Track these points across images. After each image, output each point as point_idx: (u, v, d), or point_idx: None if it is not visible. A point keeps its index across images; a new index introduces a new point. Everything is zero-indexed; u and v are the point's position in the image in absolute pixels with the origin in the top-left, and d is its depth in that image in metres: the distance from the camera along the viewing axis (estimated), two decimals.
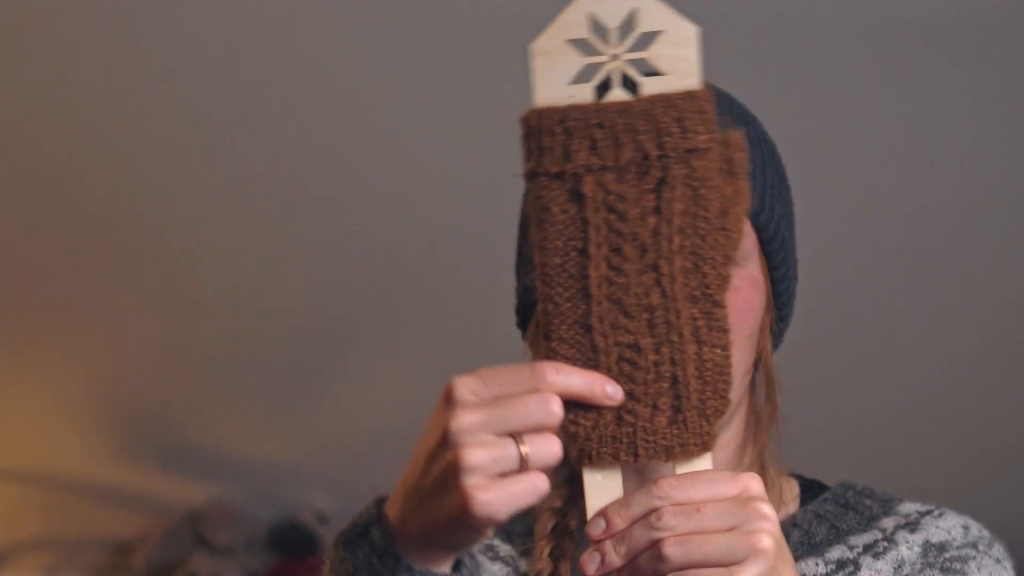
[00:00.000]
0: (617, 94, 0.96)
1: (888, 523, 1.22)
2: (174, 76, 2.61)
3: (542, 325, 0.97)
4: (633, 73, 0.96)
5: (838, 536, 1.21)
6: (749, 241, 1.17)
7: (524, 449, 0.90)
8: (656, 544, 0.93)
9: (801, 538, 1.21)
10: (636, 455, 0.95)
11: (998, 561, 1.20)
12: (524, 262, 1.20)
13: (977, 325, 3.05)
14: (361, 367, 3.31)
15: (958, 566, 1.18)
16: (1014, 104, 2.58)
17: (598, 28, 0.96)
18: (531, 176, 0.96)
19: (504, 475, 0.90)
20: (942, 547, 1.19)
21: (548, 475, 1.20)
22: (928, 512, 1.22)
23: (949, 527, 1.21)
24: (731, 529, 0.93)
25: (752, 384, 1.23)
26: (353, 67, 2.58)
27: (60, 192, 2.90)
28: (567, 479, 1.19)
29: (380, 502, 1.00)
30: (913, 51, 2.47)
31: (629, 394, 0.95)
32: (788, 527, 1.21)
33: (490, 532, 0.94)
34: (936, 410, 3.28)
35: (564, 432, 0.96)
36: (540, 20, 0.97)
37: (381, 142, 2.74)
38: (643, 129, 0.95)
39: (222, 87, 2.63)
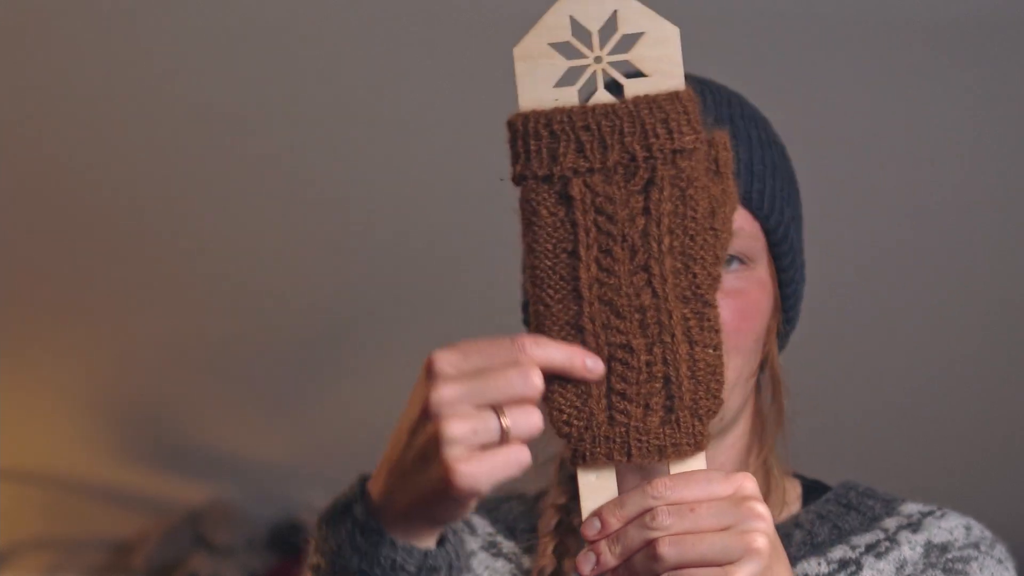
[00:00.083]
0: (601, 96, 0.96)
1: (890, 523, 1.22)
2: (174, 76, 2.61)
3: (533, 326, 0.98)
4: (616, 75, 0.97)
5: (840, 536, 1.21)
6: (758, 244, 1.17)
7: (505, 421, 0.91)
8: (651, 544, 0.93)
9: (803, 538, 1.21)
10: (629, 455, 0.96)
11: (1000, 562, 1.20)
12: None
13: (977, 325, 3.05)
14: (361, 367, 3.31)
15: (960, 567, 1.18)
16: (1014, 104, 2.58)
17: (580, 31, 0.96)
18: (519, 180, 0.97)
19: (486, 447, 0.91)
20: (944, 547, 1.19)
21: (551, 473, 1.20)
22: (930, 513, 1.23)
23: (951, 528, 1.21)
24: (725, 529, 0.93)
25: (758, 386, 1.23)
26: (353, 67, 2.58)
27: (60, 192, 2.90)
28: (571, 476, 1.19)
29: (363, 480, 1.00)
30: (913, 51, 2.47)
31: (621, 394, 0.96)
32: (790, 527, 1.22)
33: (473, 505, 0.94)
34: (937, 410, 3.28)
35: (556, 430, 0.96)
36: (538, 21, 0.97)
37: (381, 142, 2.74)
38: (629, 131, 0.95)
39: (222, 87, 2.63)
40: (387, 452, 0.97)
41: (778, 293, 1.21)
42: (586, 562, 0.95)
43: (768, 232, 1.18)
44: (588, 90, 0.97)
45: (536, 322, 0.97)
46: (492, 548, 1.25)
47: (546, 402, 0.97)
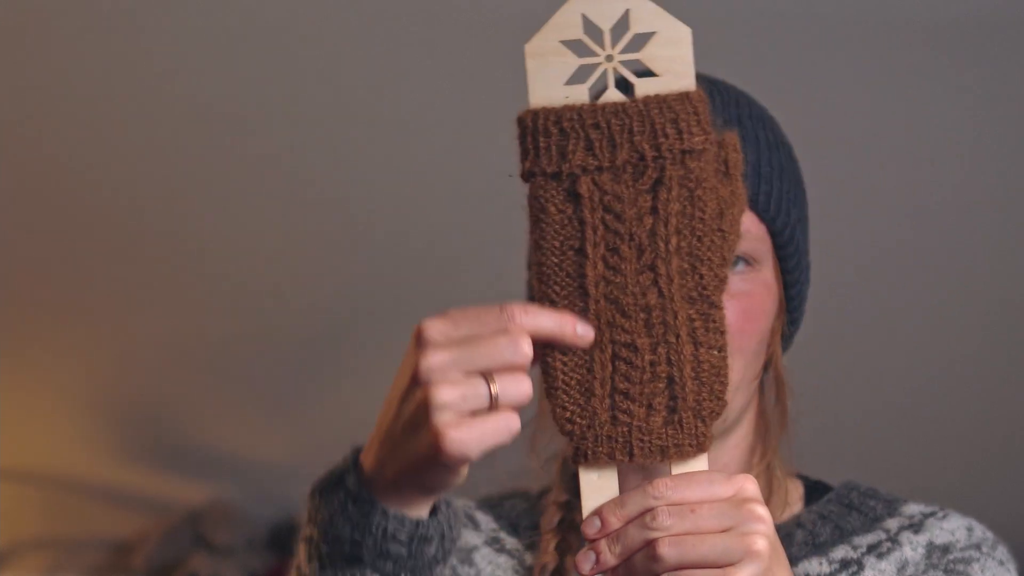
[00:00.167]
0: (612, 95, 0.96)
1: (892, 524, 1.22)
2: (174, 76, 2.61)
3: None
4: (627, 74, 0.97)
5: (842, 536, 1.21)
6: (764, 246, 1.17)
7: (494, 388, 0.91)
8: (651, 544, 0.93)
9: (805, 538, 1.21)
10: (631, 455, 0.96)
11: (1001, 563, 1.20)
12: None
13: (977, 325, 3.05)
14: (361, 367, 3.31)
15: (962, 568, 1.18)
16: (1014, 104, 2.58)
17: (592, 29, 0.96)
18: (528, 176, 0.97)
19: (476, 414, 0.91)
20: (946, 548, 1.19)
21: (554, 471, 1.20)
22: (932, 513, 1.23)
23: (953, 528, 1.21)
24: (726, 530, 0.93)
25: (761, 387, 1.23)
26: (353, 67, 2.58)
27: (60, 192, 2.90)
28: (573, 474, 1.19)
29: (356, 451, 1.00)
30: (913, 51, 2.47)
31: (625, 394, 0.96)
32: (792, 527, 1.22)
33: (463, 472, 0.94)
34: (938, 410, 3.28)
35: (559, 428, 0.96)
36: (540, 20, 0.98)
37: (382, 142, 2.74)
38: (639, 130, 0.95)
39: (222, 87, 2.63)
40: (378, 421, 0.97)
41: (783, 295, 1.21)
42: (586, 561, 0.95)
43: (774, 234, 1.18)
44: (599, 88, 0.97)
45: None
46: (495, 544, 1.25)
47: (549, 399, 0.97)
